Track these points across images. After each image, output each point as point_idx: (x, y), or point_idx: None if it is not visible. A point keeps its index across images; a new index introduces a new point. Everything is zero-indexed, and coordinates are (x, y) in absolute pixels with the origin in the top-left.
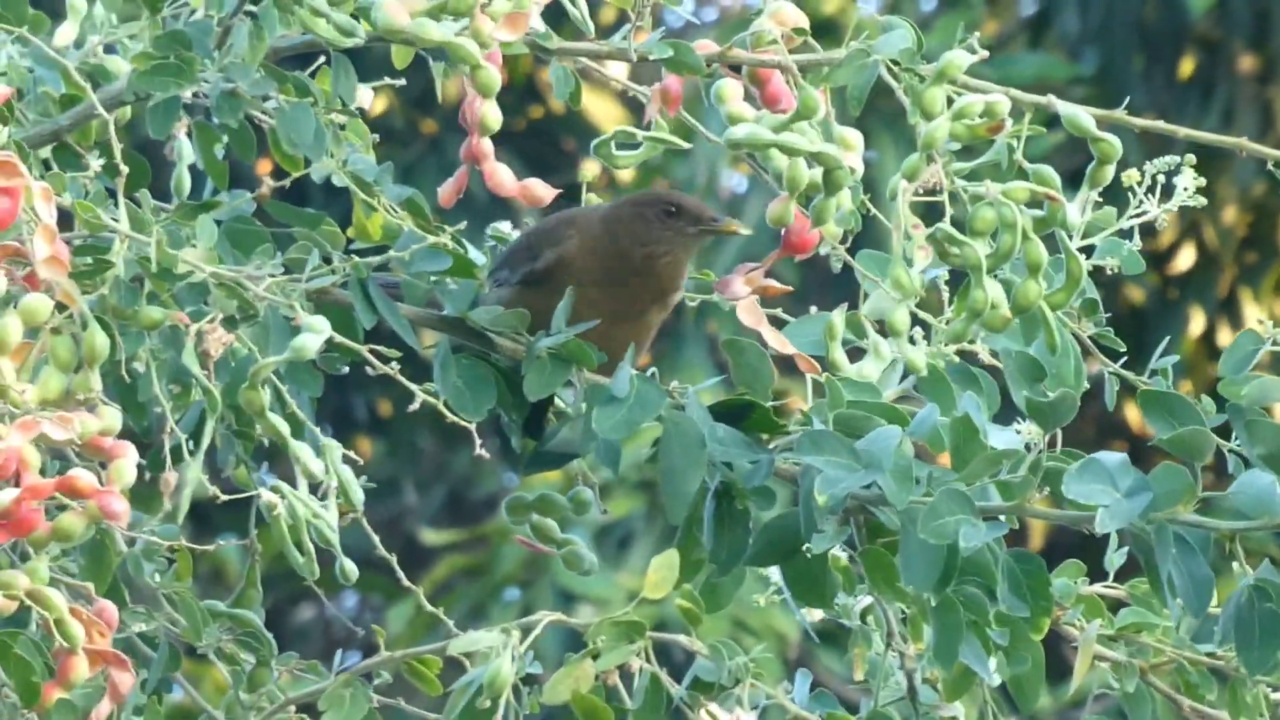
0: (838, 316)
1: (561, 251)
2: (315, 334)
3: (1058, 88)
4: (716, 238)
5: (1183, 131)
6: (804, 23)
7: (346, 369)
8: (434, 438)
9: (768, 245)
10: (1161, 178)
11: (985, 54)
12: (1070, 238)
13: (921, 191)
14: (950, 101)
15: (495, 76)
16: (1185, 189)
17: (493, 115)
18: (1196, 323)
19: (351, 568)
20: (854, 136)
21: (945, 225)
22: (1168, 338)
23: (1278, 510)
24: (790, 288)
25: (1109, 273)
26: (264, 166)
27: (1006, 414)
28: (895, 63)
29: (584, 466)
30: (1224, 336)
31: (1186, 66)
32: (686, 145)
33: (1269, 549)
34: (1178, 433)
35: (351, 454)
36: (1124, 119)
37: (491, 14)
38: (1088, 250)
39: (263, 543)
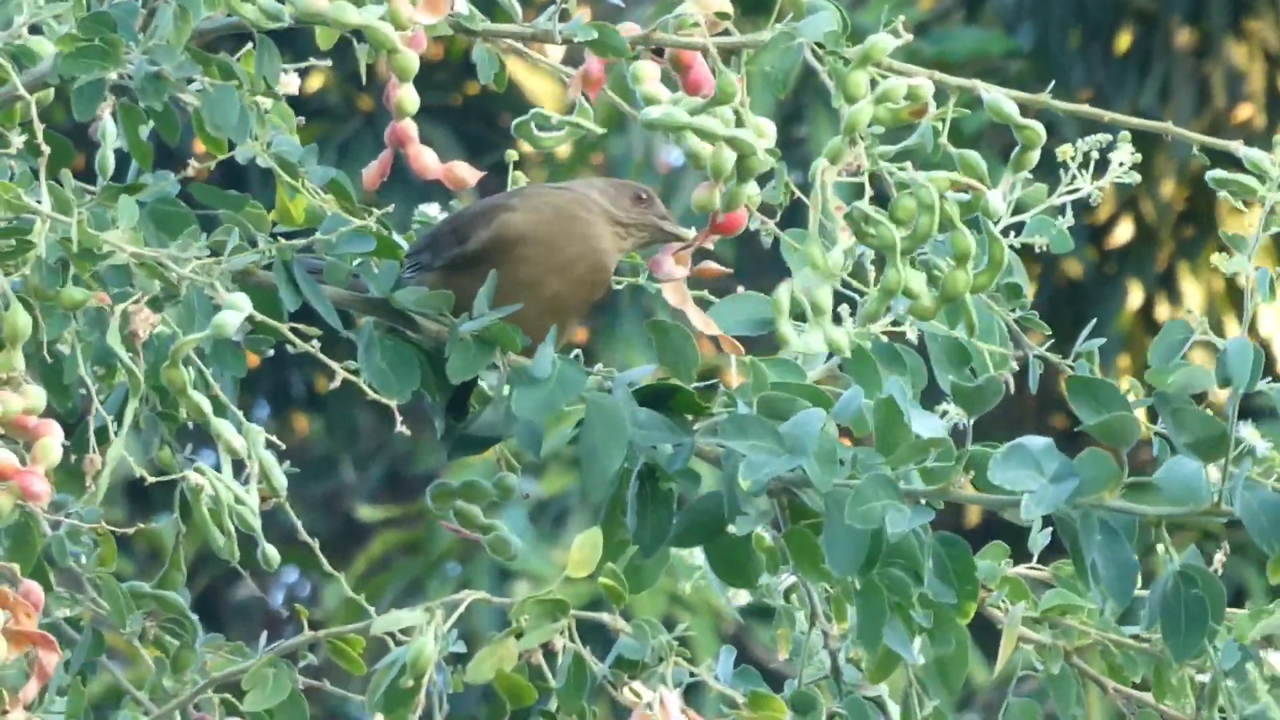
0: (784, 292)
1: (494, 231)
2: (236, 311)
3: (994, 63)
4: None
5: (1109, 115)
6: (727, 7)
7: (272, 351)
8: (372, 416)
9: (704, 219)
10: (1096, 153)
11: (909, 37)
12: (996, 222)
13: (845, 173)
14: (875, 85)
15: (413, 60)
16: (1121, 164)
17: (410, 99)
18: (1135, 297)
19: (274, 554)
20: (767, 126)
21: (861, 205)
22: (1097, 318)
23: (1203, 497)
24: (729, 270)
25: (1039, 251)
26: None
27: (932, 393)
28: (820, 45)
29: (507, 450)
30: (1162, 311)
31: (1123, 41)
32: (599, 130)
33: (1195, 534)
34: (1103, 419)
35: (276, 440)
36: (1051, 103)
37: None
38: (1018, 227)
39: (190, 525)
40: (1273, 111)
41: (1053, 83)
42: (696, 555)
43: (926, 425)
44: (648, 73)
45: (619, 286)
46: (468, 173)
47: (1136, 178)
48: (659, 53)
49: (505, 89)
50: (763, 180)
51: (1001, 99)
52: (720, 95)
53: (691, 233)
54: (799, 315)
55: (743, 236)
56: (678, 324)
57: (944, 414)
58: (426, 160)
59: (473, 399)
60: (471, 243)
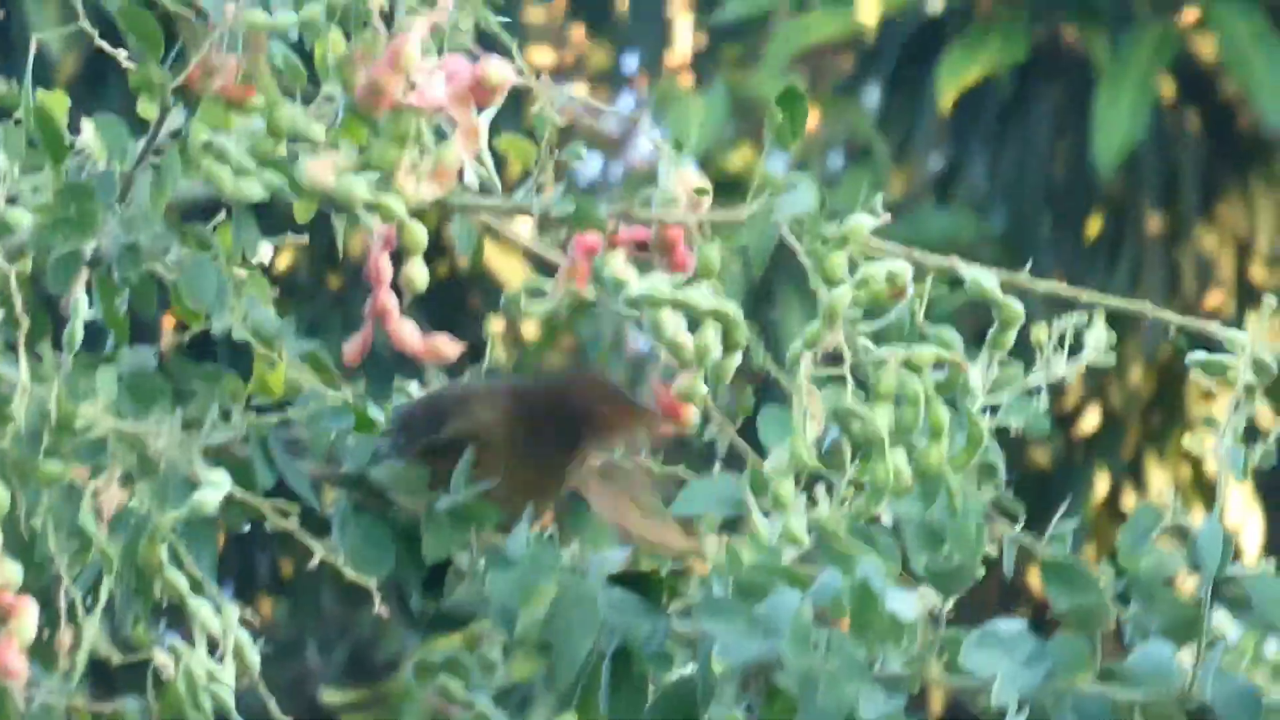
0: (743, 481)
1: (466, 424)
2: (215, 489)
3: (966, 246)
4: None
5: (1085, 295)
6: (705, 184)
7: (248, 526)
8: (336, 598)
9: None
10: (1069, 336)
11: (888, 216)
12: (974, 402)
13: (821, 356)
14: (853, 266)
15: (422, 234)
16: (1094, 345)
17: (419, 274)
18: (1101, 485)
19: None
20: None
21: (846, 402)
22: (1068, 501)
23: (1175, 682)
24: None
25: (1011, 435)
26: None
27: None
28: (798, 223)
29: (487, 630)
30: (1129, 499)
31: (1094, 226)
32: (592, 299)
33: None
34: (1076, 604)
35: (248, 617)
36: (1028, 283)
37: (418, 169)
38: (993, 409)
39: (161, 704)
40: (1242, 298)
41: (1029, 261)
42: None
43: (903, 604)
44: (615, 261)
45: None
46: (449, 347)
47: (1112, 359)
48: (643, 246)
49: (474, 270)
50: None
51: (982, 275)
52: (702, 269)
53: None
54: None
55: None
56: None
57: (920, 595)
58: (407, 335)
59: (450, 576)
60: (444, 431)
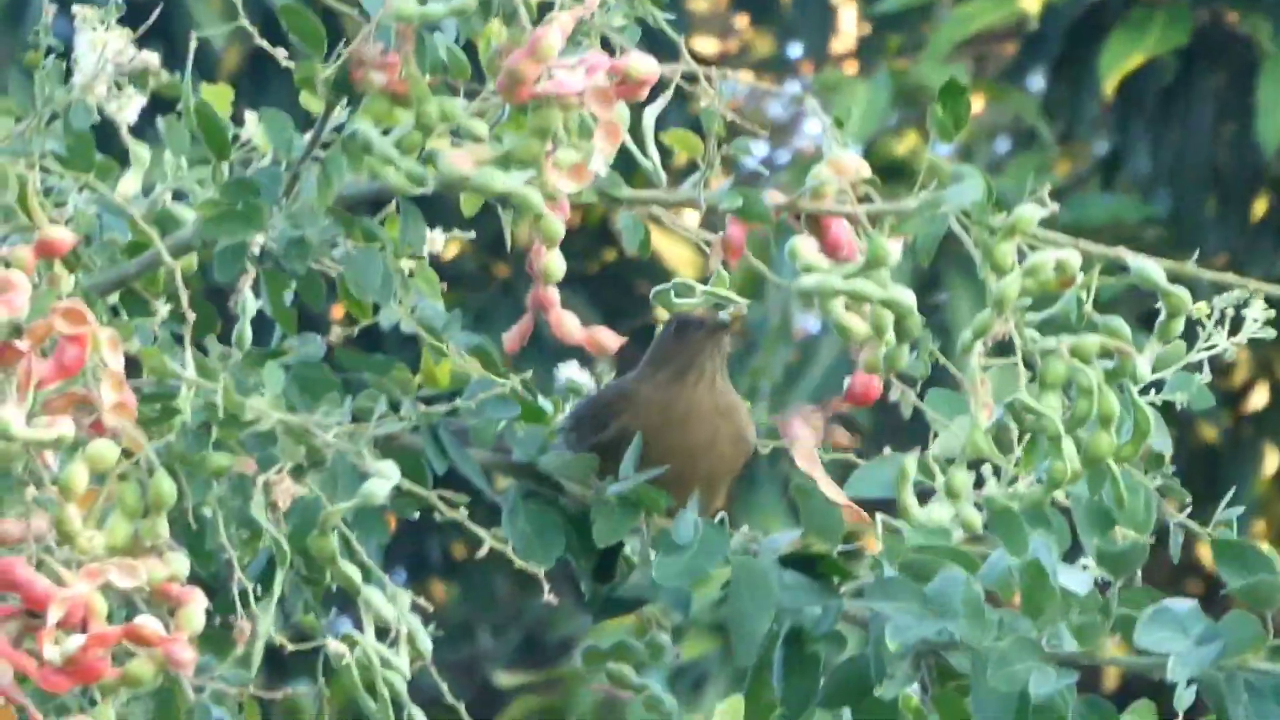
0: (910, 460)
1: (620, 429)
2: (384, 480)
3: (1130, 229)
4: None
5: (1254, 284)
6: (866, 172)
7: (417, 515)
8: (509, 582)
9: (840, 384)
10: (1231, 312)
11: (1055, 206)
12: (1141, 388)
13: (990, 344)
14: (1021, 255)
15: (559, 226)
16: (1255, 319)
17: (556, 264)
18: (1270, 462)
19: (420, 716)
20: (907, 295)
21: (1021, 395)
22: (1236, 484)
23: None
24: (854, 437)
25: (1179, 408)
26: (336, 313)
27: (1075, 550)
28: (966, 214)
29: (656, 612)
30: None
31: (1260, 207)
32: (739, 300)
33: None
34: (1249, 582)
35: (422, 600)
36: (1195, 271)
37: (558, 163)
38: (1158, 385)
39: (333, 689)
40: None
41: (1197, 250)
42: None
43: (1074, 580)
44: (805, 247)
45: (764, 451)
46: (609, 339)
47: (1272, 332)
48: (797, 217)
49: (641, 258)
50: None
51: (1149, 265)
52: (872, 259)
53: (735, 306)
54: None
55: (881, 403)
56: (819, 490)
57: (1084, 568)
58: (569, 325)
59: (620, 562)
60: (608, 431)
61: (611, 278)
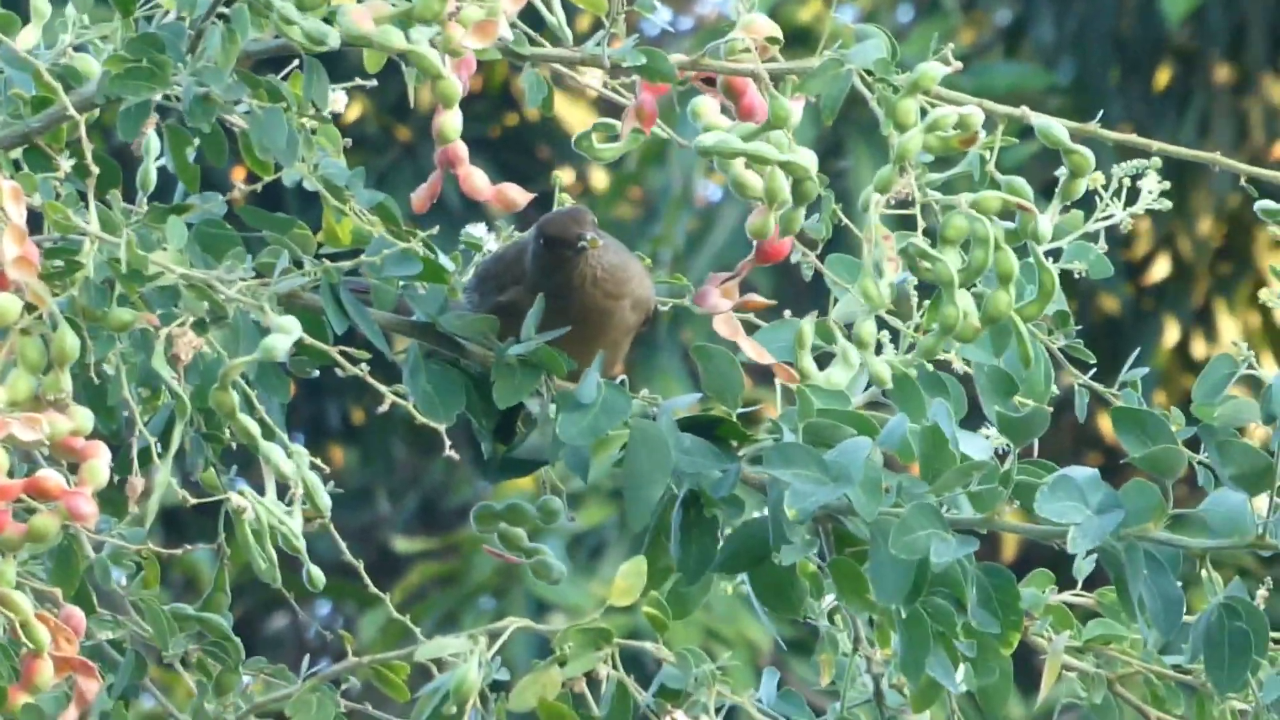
0: (807, 324)
1: (512, 296)
2: (285, 335)
3: (1034, 97)
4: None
5: (1156, 145)
6: (777, 33)
7: (317, 372)
8: (407, 446)
9: (741, 251)
10: (1128, 182)
11: (959, 65)
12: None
13: (893, 203)
14: (924, 113)
15: (456, 86)
16: (1150, 192)
17: (452, 124)
18: (1171, 333)
19: (319, 574)
20: (808, 156)
21: (918, 240)
22: (1138, 349)
23: (1249, 528)
24: (773, 301)
25: (1077, 277)
26: (239, 172)
27: (974, 420)
28: (869, 73)
29: (553, 475)
30: (1198, 348)
31: (1163, 77)
32: (684, 140)
33: (1241, 563)
34: (1150, 451)
35: (320, 462)
36: (1098, 132)
37: (462, 20)
38: (1055, 254)
39: (233, 548)
40: None
41: (1100, 112)
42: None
43: (973, 447)
44: (706, 107)
45: (665, 308)
46: (519, 195)
47: (1168, 204)
48: (709, 81)
49: (543, 121)
50: (806, 212)
51: (1052, 124)
52: (774, 119)
53: (595, 241)
54: (832, 342)
55: (780, 268)
56: (723, 349)
57: (986, 437)
58: (477, 182)
59: (519, 423)
60: (508, 294)
61: (512, 141)
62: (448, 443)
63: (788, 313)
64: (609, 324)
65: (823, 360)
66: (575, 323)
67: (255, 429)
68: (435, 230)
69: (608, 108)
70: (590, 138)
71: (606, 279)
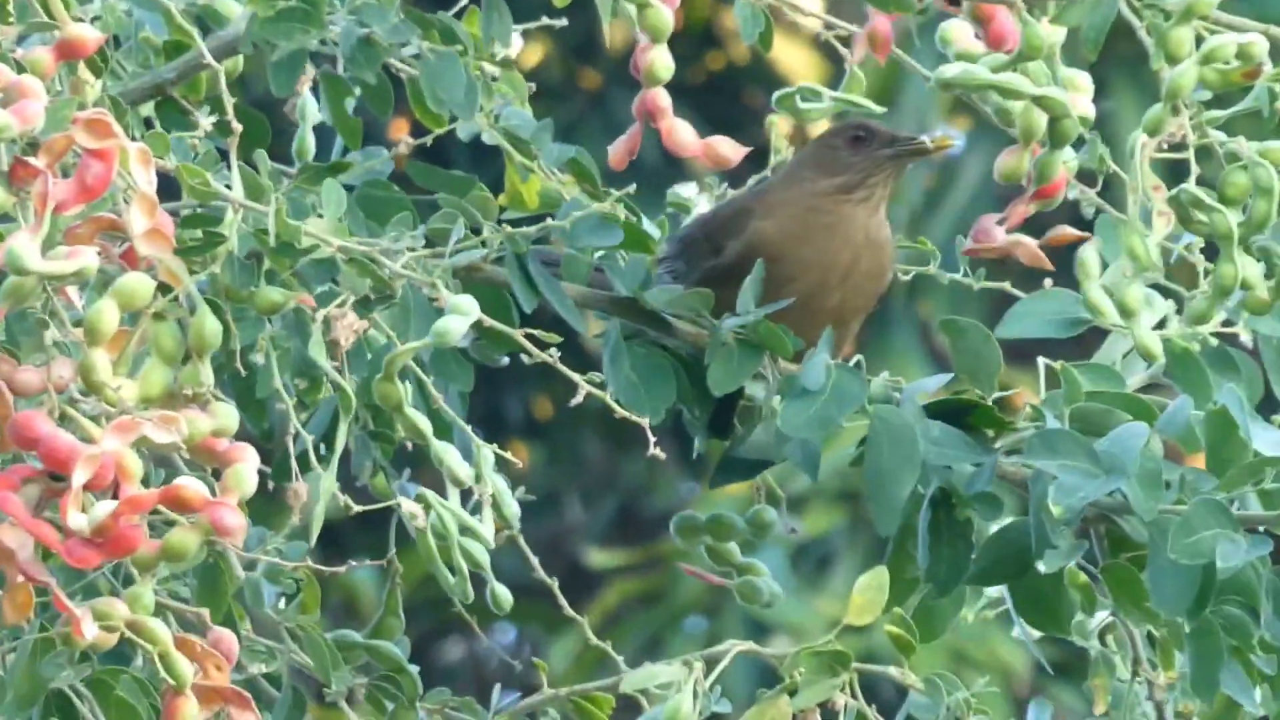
0: (1090, 250)
1: (747, 242)
2: (462, 316)
3: None
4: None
5: None
6: None
7: (506, 360)
8: (601, 443)
9: (989, 208)
10: None
11: None
12: None
13: (1165, 147)
14: (1199, 43)
15: (667, 16)
16: None
17: (663, 62)
18: None
19: (505, 594)
20: (1082, 79)
21: (1190, 187)
22: None
23: None
24: (1086, 235)
25: None
26: (399, 127)
27: (1270, 405)
28: None
29: (769, 478)
30: None
31: None
32: (878, 109)
33: None
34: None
35: (508, 456)
36: None
37: None
38: None
39: (404, 564)
40: None
41: None
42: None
43: (1267, 440)
44: (958, 33)
45: (905, 276)
46: (730, 149)
47: None
48: (954, 3)
49: (753, 62)
50: (1075, 145)
51: None
52: (1027, 49)
53: (929, 138)
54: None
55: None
56: (975, 322)
57: None
58: (682, 135)
59: (737, 416)
60: (727, 253)
61: (718, 87)
62: (651, 439)
63: (1048, 282)
64: (848, 280)
65: (1090, 344)
66: (811, 268)
67: (426, 426)
68: (633, 190)
69: (831, 49)
70: (793, 98)
71: (880, 221)
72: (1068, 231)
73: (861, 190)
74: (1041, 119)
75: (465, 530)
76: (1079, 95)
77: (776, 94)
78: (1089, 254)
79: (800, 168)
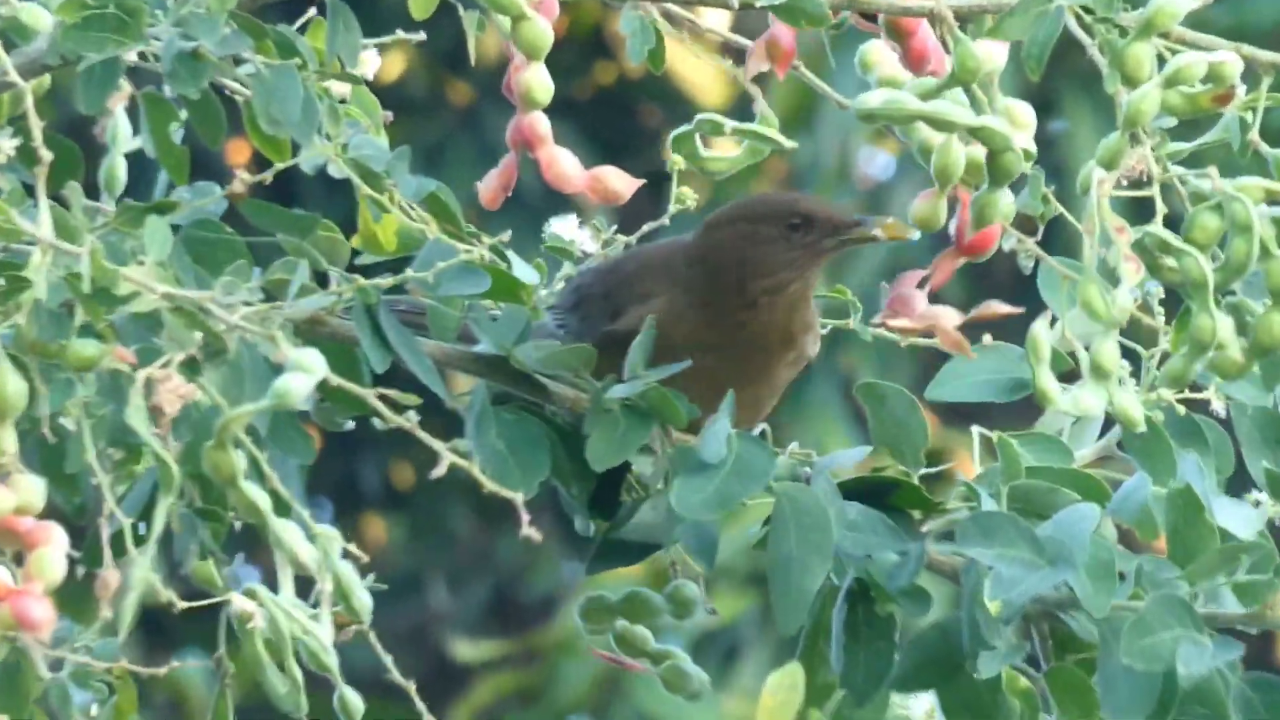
0: (1041, 328)
1: (648, 319)
2: (305, 375)
3: None
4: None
5: None
6: None
7: (350, 424)
8: (472, 517)
9: (923, 248)
10: None
11: None
12: None
13: (1125, 182)
14: (1162, 62)
15: (545, 32)
16: None
17: (541, 84)
18: None
19: (356, 702)
20: (1024, 111)
21: (1157, 228)
22: None
23: None
24: (1018, 309)
25: None
26: (239, 153)
27: (1240, 481)
28: (1087, 10)
29: (679, 555)
30: None
31: None
32: (788, 144)
33: None
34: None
35: (355, 549)
36: None
37: None
38: None
39: (237, 663)
40: None
41: None
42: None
43: (1238, 520)
44: (880, 56)
45: (823, 330)
46: (621, 183)
47: None
48: (869, 18)
49: (648, 76)
50: (1013, 187)
51: None
52: (960, 72)
53: (879, 227)
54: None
55: (982, 267)
56: (897, 388)
57: (1256, 504)
58: (565, 167)
59: (622, 491)
60: (625, 319)
61: (609, 103)
62: (525, 517)
63: (986, 338)
64: (762, 377)
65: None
66: (728, 360)
67: (264, 503)
68: (508, 235)
69: (739, 59)
70: (692, 140)
71: (805, 303)
72: (996, 308)
73: (796, 285)
74: (958, 157)
75: (303, 630)
76: (1021, 132)
77: (673, 134)
78: (1039, 332)
79: (714, 257)
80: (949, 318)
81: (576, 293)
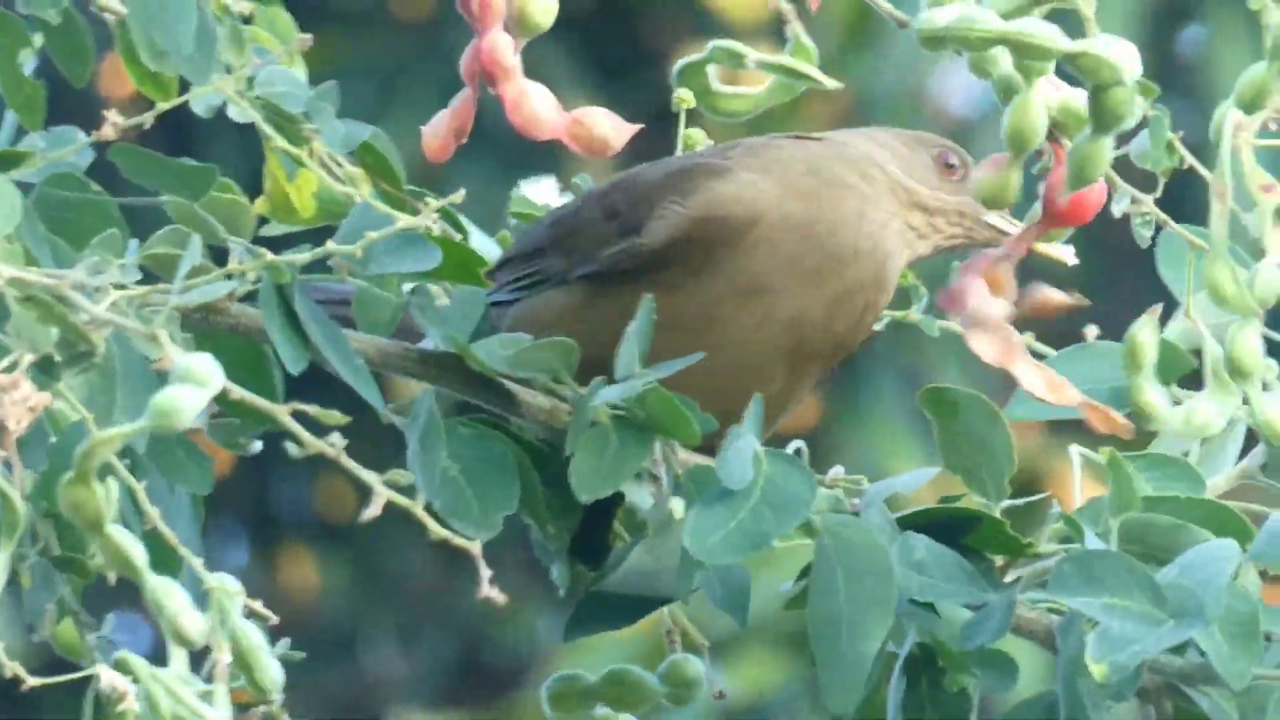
0: (1144, 327)
1: (706, 208)
2: (195, 385)
3: None
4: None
5: None
6: None
7: (258, 445)
8: (426, 553)
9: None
10: None
11: None
12: None
13: (1275, 127)
14: None
15: None
16: None
17: (540, 5)
18: None
19: None
20: (1124, 48)
21: None
22: None
23: None
24: (1083, 301)
25: None
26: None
27: None
28: None
29: (683, 616)
30: None
31: None
32: (829, 84)
33: None
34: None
35: (262, 608)
36: None
37: None
38: None
39: None
40: None
41: None
42: None
43: None
44: None
45: (877, 327)
46: (611, 128)
47: None
48: None
49: None
50: (1122, 138)
51: None
52: None
53: (1062, 251)
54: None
55: (1096, 239)
56: (973, 394)
57: None
58: (535, 107)
59: (611, 532)
60: (649, 233)
61: (610, 23)
62: (484, 572)
63: (1092, 331)
64: (831, 336)
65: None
66: (779, 314)
67: (139, 553)
68: (461, 195)
69: None
70: (703, 72)
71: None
72: (1048, 296)
73: (923, 221)
74: (1041, 122)
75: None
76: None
77: (680, 64)
78: (1142, 336)
79: (863, 140)
80: (989, 315)
81: (556, 226)
